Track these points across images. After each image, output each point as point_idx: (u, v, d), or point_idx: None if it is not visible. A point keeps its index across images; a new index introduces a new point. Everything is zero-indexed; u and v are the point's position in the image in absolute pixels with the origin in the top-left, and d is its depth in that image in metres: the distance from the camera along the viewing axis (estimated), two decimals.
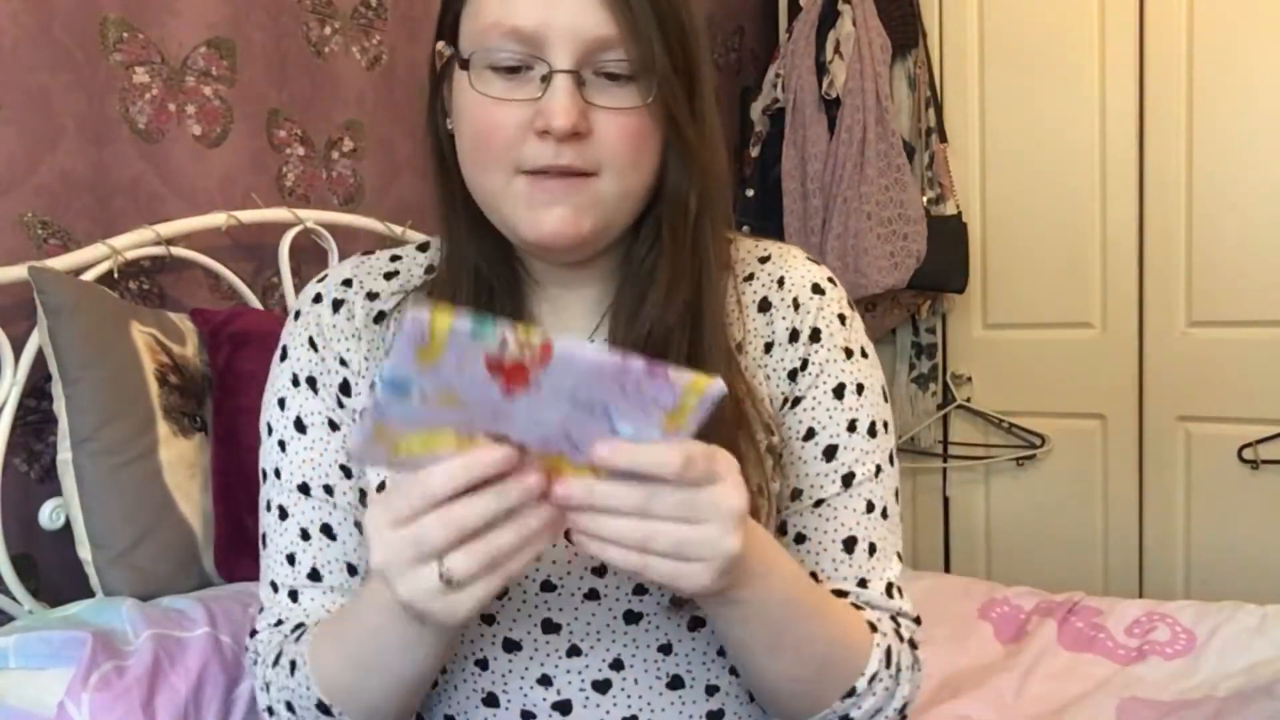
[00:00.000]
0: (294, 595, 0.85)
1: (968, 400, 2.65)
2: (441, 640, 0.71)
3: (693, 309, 0.80)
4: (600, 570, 0.80)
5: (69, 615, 1.17)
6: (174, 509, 1.29)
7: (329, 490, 0.85)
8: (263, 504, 0.88)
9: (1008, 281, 2.58)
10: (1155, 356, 2.44)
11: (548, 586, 0.80)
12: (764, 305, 0.87)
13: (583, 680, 0.81)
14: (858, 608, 0.83)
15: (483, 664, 0.82)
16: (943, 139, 2.53)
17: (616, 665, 0.81)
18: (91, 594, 1.25)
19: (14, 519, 1.29)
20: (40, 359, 1.28)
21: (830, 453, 0.85)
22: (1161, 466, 2.45)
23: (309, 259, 1.71)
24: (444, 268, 0.84)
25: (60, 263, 1.33)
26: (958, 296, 2.59)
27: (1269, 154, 2.29)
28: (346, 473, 0.85)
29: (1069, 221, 2.49)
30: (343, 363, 0.86)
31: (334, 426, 0.86)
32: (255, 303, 1.61)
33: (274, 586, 0.86)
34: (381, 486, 0.82)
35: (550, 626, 0.81)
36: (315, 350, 0.86)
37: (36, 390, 1.33)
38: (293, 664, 0.79)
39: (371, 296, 0.88)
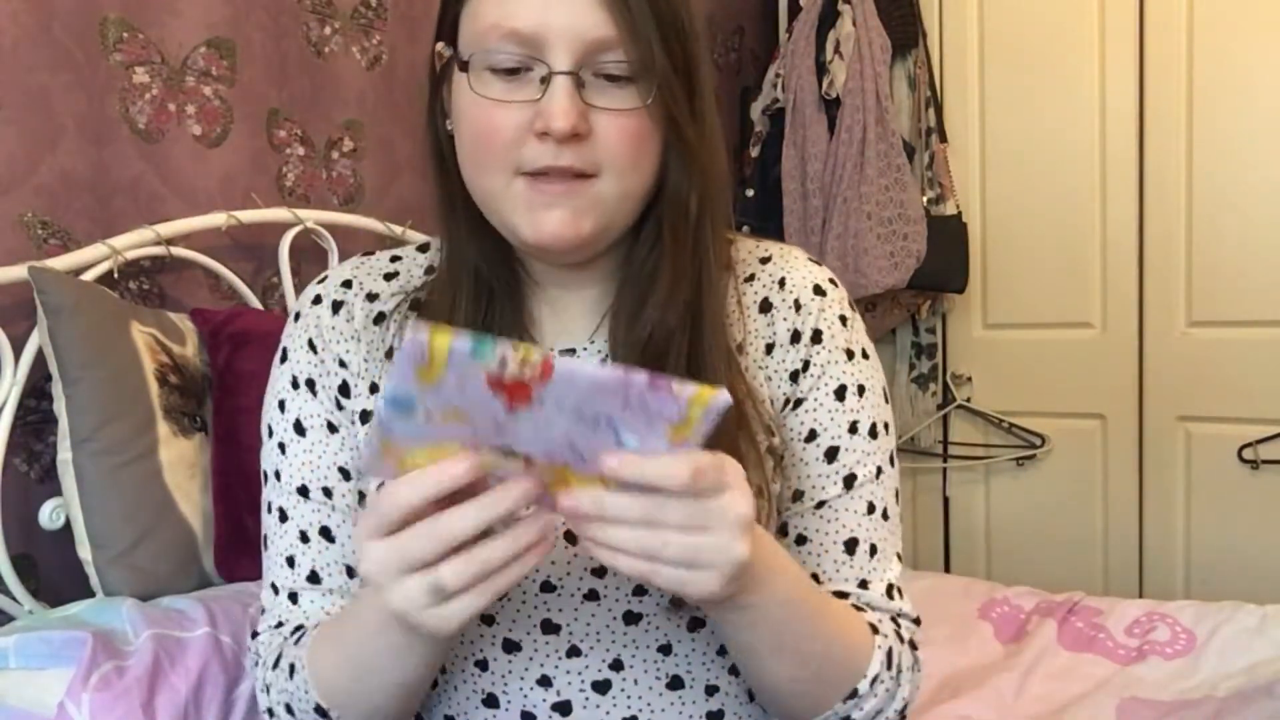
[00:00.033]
0: (294, 597, 0.85)
1: (968, 400, 2.65)
2: (436, 647, 0.71)
3: (693, 310, 0.80)
4: (600, 571, 0.80)
5: (69, 615, 1.17)
6: (174, 509, 1.29)
7: (328, 493, 0.85)
8: (264, 506, 0.88)
9: (1008, 281, 2.58)
10: (1155, 356, 2.44)
11: (547, 587, 0.80)
12: (765, 306, 0.87)
13: (582, 681, 0.81)
14: (859, 609, 0.83)
15: (482, 665, 0.82)
16: (943, 139, 2.53)
17: (616, 666, 0.81)
18: (91, 594, 1.25)
19: (14, 519, 1.29)
20: (40, 359, 1.28)
21: (831, 454, 0.85)
22: (1161, 466, 2.45)
23: (309, 259, 1.71)
24: (444, 268, 0.84)
25: (60, 263, 1.33)
26: (958, 296, 2.59)
27: (1269, 154, 2.30)
28: (345, 475, 0.85)
29: (1069, 221, 2.49)
30: (342, 364, 0.86)
31: (333, 429, 0.86)
32: (255, 303, 1.61)
33: (275, 588, 0.86)
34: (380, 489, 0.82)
35: (550, 627, 0.81)
36: (314, 352, 0.86)
37: (36, 390, 1.33)
38: (291, 667, 0.79)
39: (371, 298, 0.88)
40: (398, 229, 1.78)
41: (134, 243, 1.43)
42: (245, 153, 1.63)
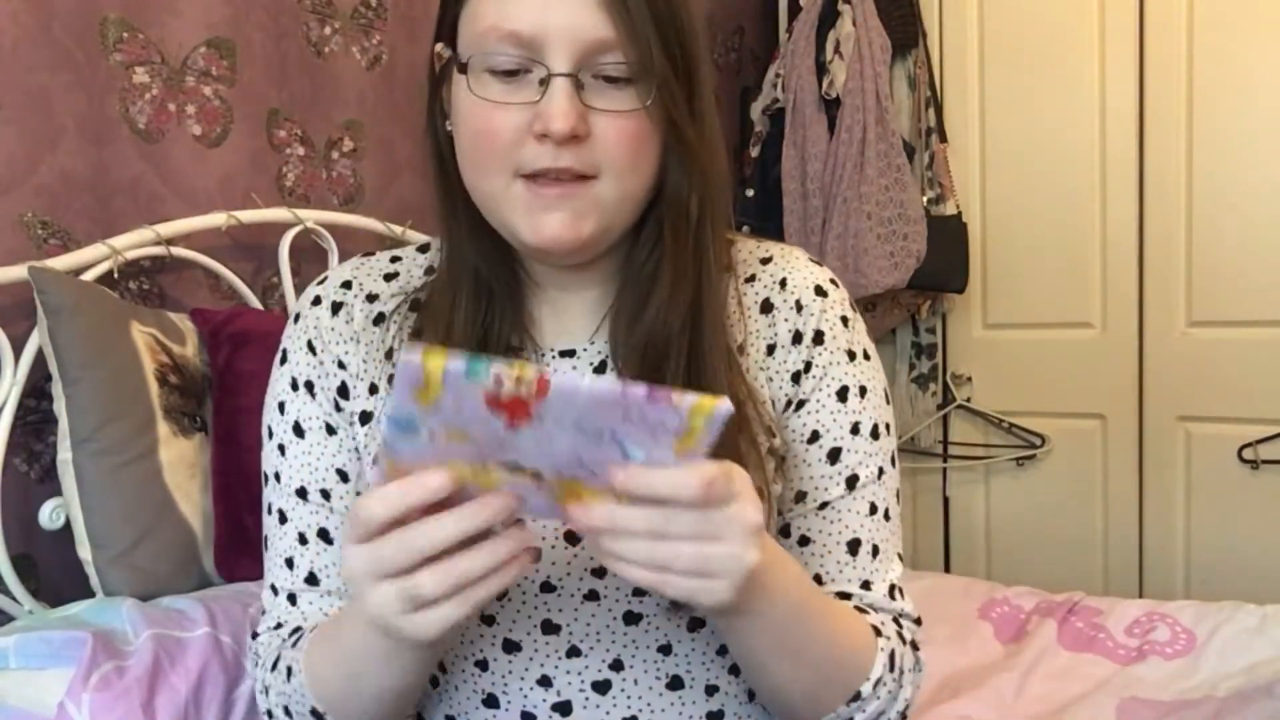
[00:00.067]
0: (293, 599, 0.86)
1: (968, 400, 2.65)
2: (423, 653, 0.71)
3: (693, 310, 0.80)
4: (600, 571, 0.80)
5: (69, 615, 1.17)
6: (174, 509, 1.30)
7: (326, 495, 0.85)
8: (264, 507, 0.88)
9: (1008, 281, 2.58)
10: (1155, 356, 2.44)
11: (547, 587, 0.80)
12: (766, 307, 0.87)
13: (582, 681, 0.81)
14: (861, 610, 0.83)
15: (483, 665, 0.82)
16: (943, 139, 2.53)
17: (616, 666, 0.81)
18: (91, 594, 1.25)
19: (14, 519, 1.29)
20: (40, 359, 1.28)
21: (834, 455, 0.85)
22: (1161, 466, 2.45)
23: (309, 259, 1.71)
24: (444, 269, 0.84)
25: (60, 263, 1.33)
26: (958, 296, 2.59)
27: (1269, 154, 2.29)
28: (343, 477, 0.86)
29: (1069, 221, 2.49)
30: (341, 366, 0.86)
31: (331, 431, 0.86)
32: (255, 303, 1.61)
33: (274, 590, 0.87)
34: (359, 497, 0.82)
35: (550, 627, 0.81)
36: (314, 354, 0.86)
37: (36, 390, 1.33)
38: (289, 669, 0.79)
39: (371, 298, 0.88)
40: (398, 229, 1.78)
41: (134, 243, 1.43)
42: (245, 153, 1.63)
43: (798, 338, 0.86)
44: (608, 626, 0.80)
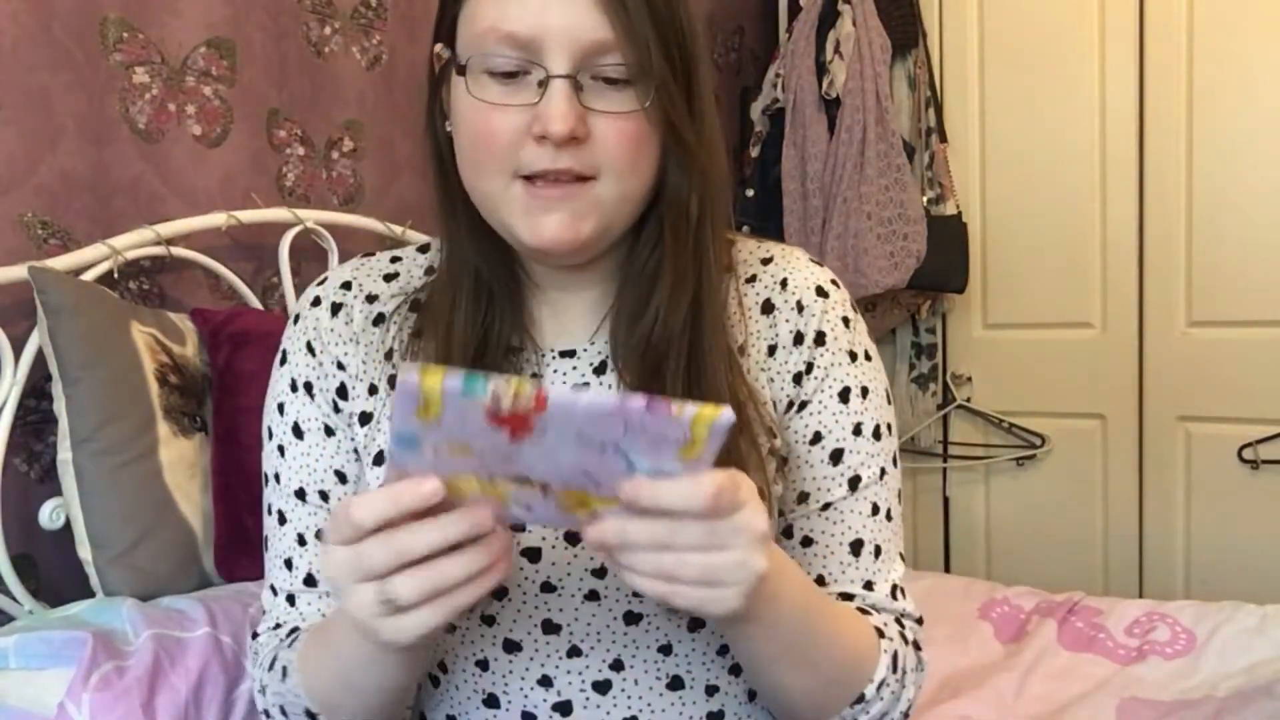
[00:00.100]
0: (291, 599, 0.86)
1: (968, 400, 2.65)
2: (409, 657, 0.71)
3: (694, 311, 0.80)
4: (600, 571, 0.80)
5: (69, 615, 1.17)
6: (174, 509, 1.30)
7: (324, 496, 0.85)
8: (265, 508, 0.88)
9: (1008, 281, 2.58)
10: (1155, 356, 2.44)
11: (548, 587, 0.80)
12: (767, 307, 0.87)
13: (583, 681, 0.81)
14: (864, 611, 0.83)
15: (483, 665, 0.82)
16: (943, 139, 2.53)
17: (616, 666, 0.81)
18: (91, 594, 1.25)
19: (14, 519, 1.29)
20: (40, 359, 1.28)
21: (836, 456, 0.85)
22: (1161, 466, 2.45)
23: (309, 259, 1.71)
24: (444, 270, 0.84)
25: (60, 263, 1.33)
26: (958, 296, 2.59)
27: (1269, 154, 2.29)
28: (342, 478, 0.86)
29: (1069, 221, 2.49)
30: (340, 366, 0.86)
31: (329, 432, 0.86)
32: (255, 303, 1.61)
33: (274, 590, 0.87)
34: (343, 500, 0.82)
35: (550, 627, 0.81)
36: (313, 355, 0.86)
37: (36, 390, 1.33)
38: (285, 670, 0.79)
39: (371, 299, 0.88)
40: (398, 229, 1.78)
41: (134, 243, 1.43)
42: (245, 153, 1.63)
43: (799, 338, 0.86)
44: (608, 626, 0.80)
